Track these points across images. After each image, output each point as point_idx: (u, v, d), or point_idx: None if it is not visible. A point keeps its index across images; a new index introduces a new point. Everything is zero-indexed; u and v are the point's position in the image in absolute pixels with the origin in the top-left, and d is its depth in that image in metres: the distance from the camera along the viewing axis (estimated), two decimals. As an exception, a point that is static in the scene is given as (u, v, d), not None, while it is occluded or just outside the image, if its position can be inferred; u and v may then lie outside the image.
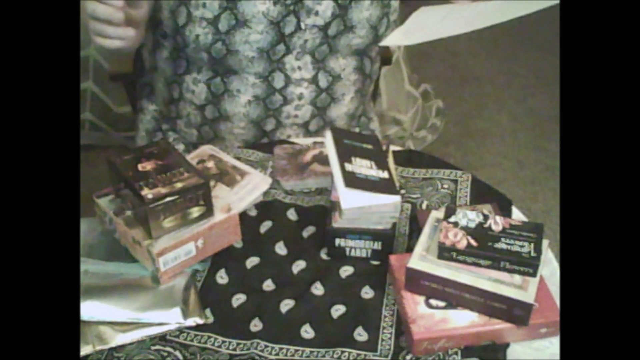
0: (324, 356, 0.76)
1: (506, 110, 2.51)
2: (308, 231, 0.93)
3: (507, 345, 0.76)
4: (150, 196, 0.79)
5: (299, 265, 0.88)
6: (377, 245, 0.87)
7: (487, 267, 0.77)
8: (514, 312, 0.75)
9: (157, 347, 0.78)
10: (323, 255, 0.89)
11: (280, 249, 0.90)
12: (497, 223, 0.80)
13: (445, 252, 0.78)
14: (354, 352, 0.76)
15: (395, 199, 0.84)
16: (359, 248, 0.87)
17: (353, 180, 0.84)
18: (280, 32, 1.04)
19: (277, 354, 0.76)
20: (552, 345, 0.77)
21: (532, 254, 0.76)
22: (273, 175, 1.00)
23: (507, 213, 0.93)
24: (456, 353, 0.75)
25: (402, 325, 0.79)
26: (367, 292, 0.84)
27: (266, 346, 0.77)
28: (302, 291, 0.84)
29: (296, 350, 0.77)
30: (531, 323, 0.75)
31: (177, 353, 0.77)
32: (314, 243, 0.91)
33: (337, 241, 0.87)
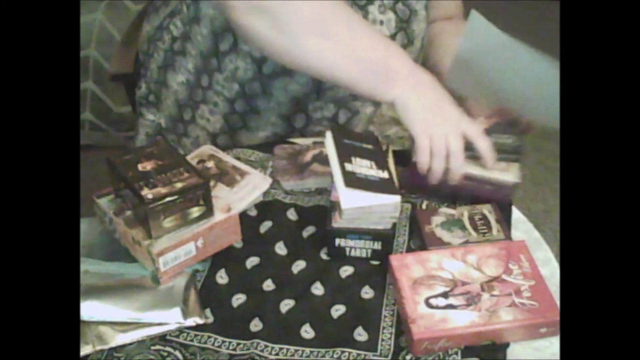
0: (324, 356, 0.76)
1: (506, 110, 2.50)
2: (308, 231, 0.93)
3: (507, 345, 0.76)
4: (150, 196, 0.79)
5: (299, 265, 0.88)
6: (377, 245, 0.87)
7: (479, 158, 0.90)
8: (502, 191, 0.92)
9: (157, 347, 0.78)
10: (323, 255, 0.89)
11: (280, 249, 0.90)
12: (483, 123, 0.96)
13: None
14: (354, 352, 0.76)
15: (396, 199, 0.84)
16: (359, 248, 0.87)
17: (353, 180, 0.84)
18: (318, 86, 1.04)
19: (277, 354, 0.76)
20: (552, 345, 0.77)
21: (516, 143, 0.95)
22: (273, 175, 1.00)
23: (507, 213, 0.94)
24: (456, 353, 0.75)
25: (402, 325, 0.79)
26: (367, 292, 0.84)
27: (266, 346, 0.77)
28: (302, 291, 0.84)
29: (296, 350, 0.77)
30: (531, 323, 0.75)
31: (177, 353, 0.77)
32: (314, 243, 0.91)
33: (337, 241, 0.87)
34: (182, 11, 1.07)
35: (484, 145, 0.89)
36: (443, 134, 0.87)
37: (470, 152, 0.90)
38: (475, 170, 0.91)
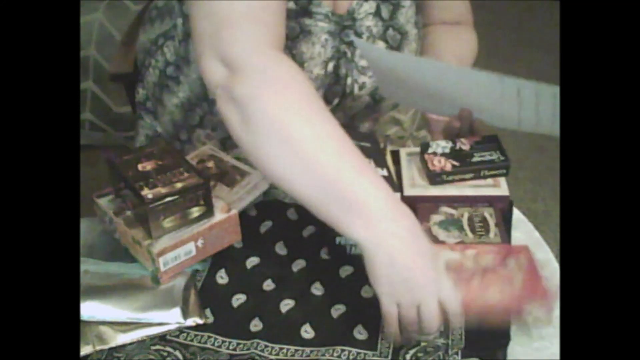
0: (323, 355, 0.76)
1: (506, 110, 2.50)
2: (308, 231, 0.93)
3: (507, 344, 0.76)
4: (150, 196, 0.79)
5: (298, 265, 0.88)
6: (377, 245, 0.87)
7: (471, 179, 0.94)
8: (496, 205, 0.92)
9: (157, 347, 0.78)
10: (323, 254, 0.89)
11: (280, 248, 0.90)
12: (464, 143, 0.97)
13: (437, 177, 0.93)
14: (354, 350, 0.76)
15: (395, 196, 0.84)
16: (359, 247, 0.87)
17: (353, 180, 0.84)
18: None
19: (277, 354, 0.76)
20: (552, 346, 0.77)
21: (502, 157, 0.94)
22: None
23: (507, 213, 0.94)
24: (457, 353, 0.75)
25: None
26: (367, 291, 0.84)
27: (266, 346, 0.77)
28: (302, 291, 0.84)
29: (296, 350, 0.77)
30: (519, 304, 0.75)
31: (177, 353, 0.77)
32: (314, 243, 0.91)
33: (338, 239, 0.87)
34: (174, 40, 1.04)
35: (456, 322, 0.71)
36: (413, 302, 0.69)
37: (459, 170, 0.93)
38: (467, 191, 0.93)
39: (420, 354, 0.75)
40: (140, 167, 0.84)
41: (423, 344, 0.76)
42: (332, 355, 0.76)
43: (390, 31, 1.01)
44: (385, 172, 0.87)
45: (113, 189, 0.89)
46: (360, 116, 1.09)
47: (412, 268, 0.69)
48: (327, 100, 1.03)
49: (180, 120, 1.10)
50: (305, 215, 0.95)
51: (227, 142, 1.08)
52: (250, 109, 0.73)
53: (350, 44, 0.99)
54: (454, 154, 0.96)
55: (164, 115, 1.12)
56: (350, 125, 1.09)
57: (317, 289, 0.84)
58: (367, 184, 0.71)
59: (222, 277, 0.86)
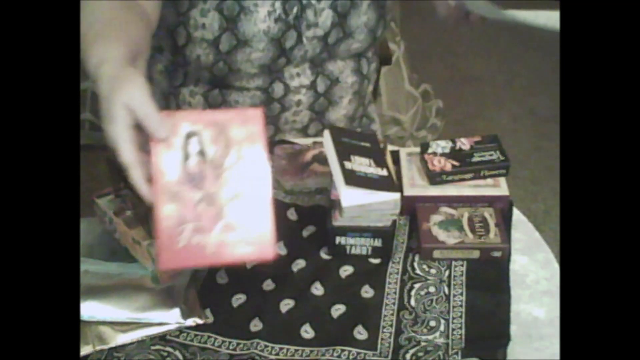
0: (323, 355, 0.76)
1: (506, 110, 2.50)
2: (308, 230, 0.93)
3: (507, 344, 0.76)
4: (150, 196, 0.79)
5: (298, 265, 0.88)
6: (378, 242, 0.87)
7: (471, 179, 0.94)
8: (496, 205, 0.92)
9: (157, 347, 0.78)
10: (323, 254, 0.89)
11: (280, 248, 0.90)
12: (464, 143, 0.97)
13: (437, 177, 0.94)
14: (354, 350, 0.76)
15: (395, 196, 0.84)
16: (359, 245, 0.87)
17: (353, 179, 0.84)
18: (281, 47, 1.04)
19: (277, 354, 0.76)
20: (552, 346, 0.77)
21: (502, 157, 0.94)
22: (273, 175, 1.00)
23: (507, 213, 0.94)
24: (456, 353, 0.75)
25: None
26: (367, 292, 0.84)
27: (266, 346, 0.77)
28: (302, 291, 0.84)
29: (296, 350, 0.77)
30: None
31: (177, 353, 0.77)
32: (314, 242, 0.91)
33: (338, 239, 0.87)
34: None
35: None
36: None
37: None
38: (467, 191, 0.93)
39: (420, 354, 0.76)
40: (140, 167, 0.84)
41: (423, 343, 0.76)
42: (332, 355, 0.76)
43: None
44: (385, 172, 0.87)
45: (113, 189, 0.89)
46: (319, 60, 1.09)
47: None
48: (283, 41, 1.04)
49: (167, 86, 1.14)
50: (305, 215, 0.95)
51: (209, 96, 1.11)
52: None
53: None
54: (453, 154, 0.96)
55: (153, 88, 1.15)
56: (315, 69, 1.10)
57: (317, 289, 0.84)
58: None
59: (222, 277, 0.86)
